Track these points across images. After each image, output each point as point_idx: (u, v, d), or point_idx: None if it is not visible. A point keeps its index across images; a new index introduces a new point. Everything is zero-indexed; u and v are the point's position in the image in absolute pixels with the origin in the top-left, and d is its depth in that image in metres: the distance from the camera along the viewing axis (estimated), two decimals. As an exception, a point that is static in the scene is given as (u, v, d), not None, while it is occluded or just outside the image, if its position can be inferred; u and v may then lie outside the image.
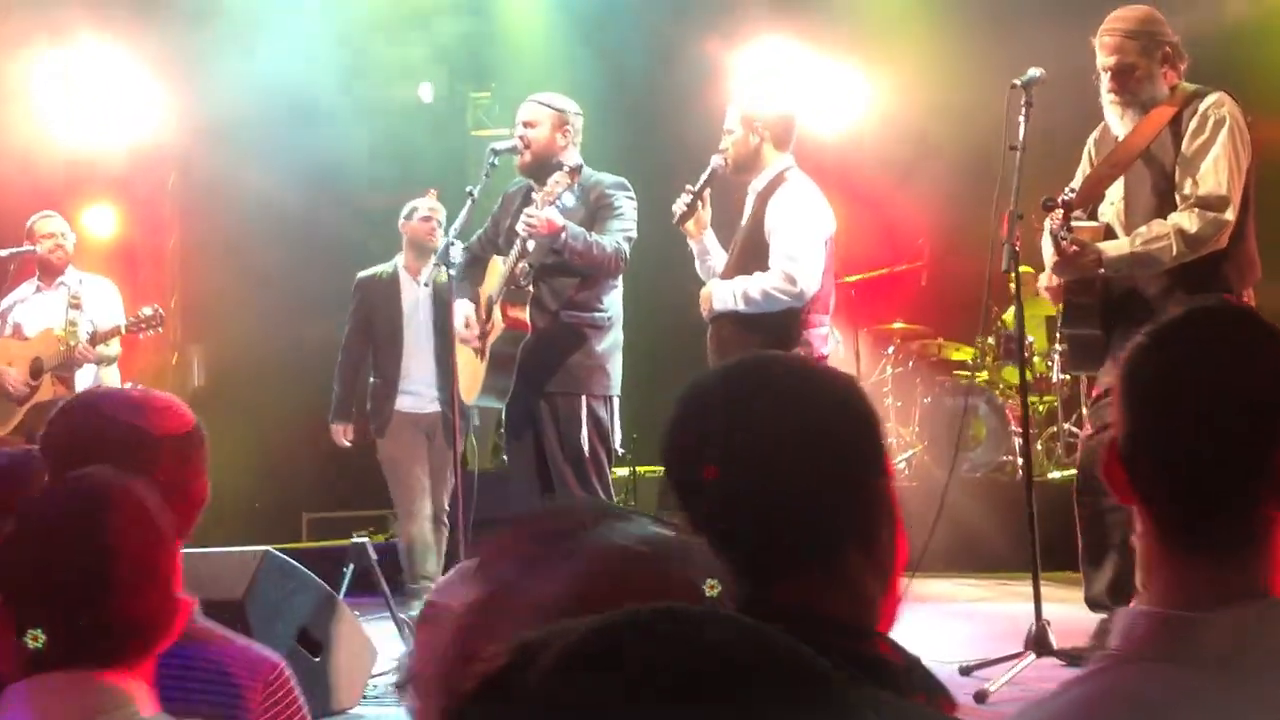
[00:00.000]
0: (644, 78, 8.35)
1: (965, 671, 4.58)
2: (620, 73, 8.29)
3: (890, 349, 8.81)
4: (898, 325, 8.83)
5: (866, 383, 8.77)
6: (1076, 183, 4.66)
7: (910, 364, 8.73)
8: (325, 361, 9.08)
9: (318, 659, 4.47)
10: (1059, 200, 4.50)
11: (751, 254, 5.05)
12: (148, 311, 6.47)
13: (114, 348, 6.53)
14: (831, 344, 5.13)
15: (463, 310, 5.49)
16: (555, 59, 8.87)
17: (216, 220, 9.06)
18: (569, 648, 0.69)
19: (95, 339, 6.42)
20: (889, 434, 8.56)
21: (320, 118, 8.60)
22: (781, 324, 4.96)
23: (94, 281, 6.77)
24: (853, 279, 8.32)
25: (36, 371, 6.39)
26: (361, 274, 6.58)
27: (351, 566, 5.43)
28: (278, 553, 4.49)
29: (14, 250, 6.46)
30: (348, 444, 6.59)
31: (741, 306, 4.98)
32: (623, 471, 9.09)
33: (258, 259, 8.78)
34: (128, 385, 6.44)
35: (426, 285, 6.29)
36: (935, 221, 8.69)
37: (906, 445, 8.54)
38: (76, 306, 6.50)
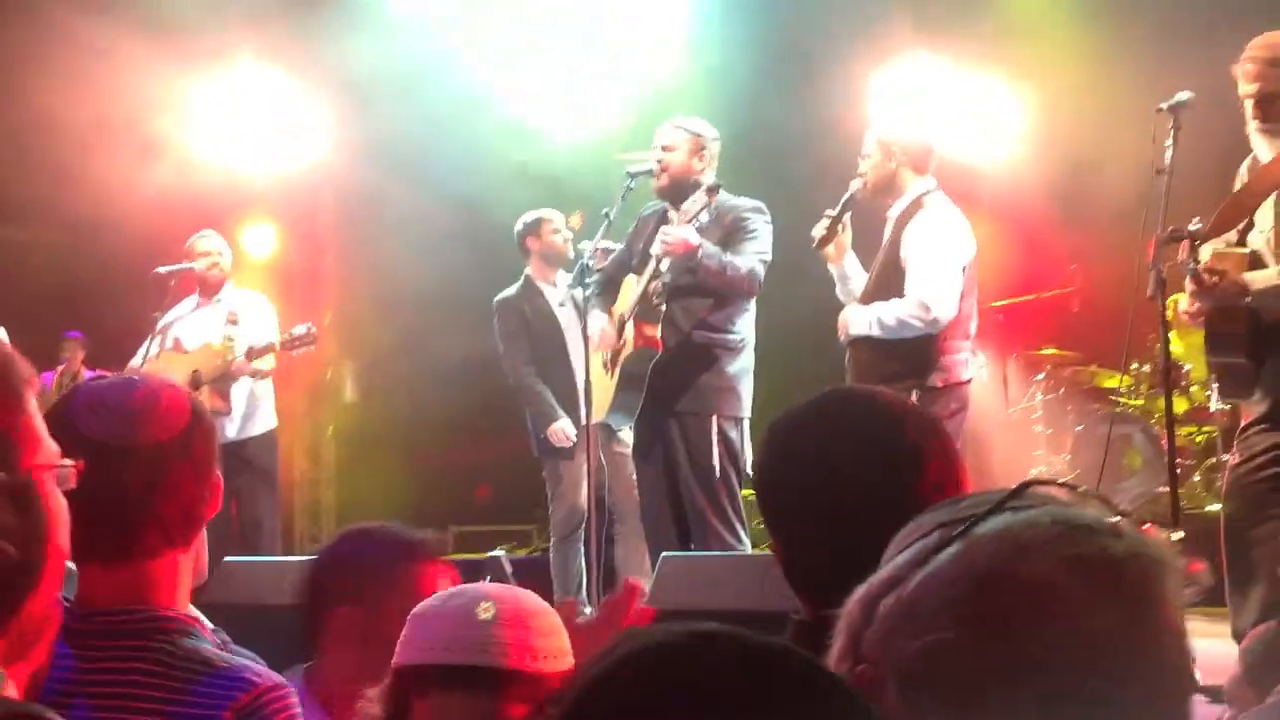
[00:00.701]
0: (784, 99, 8.32)
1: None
2: (759, 95, 8.26)
3: (1041, 375, 8.60)
4: (1049, 351, 8.62)
5: (1015, 409, 8.58)
6: None
7: (1062, 391, 8.51)
8: (474, 377, 9.26)
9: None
10: (1186, 231, 4.38)
11: (889, 279, 5.05)
12: (301, 329, 6.66)
13: (268, 362, 6.72)
14: (974, 369, 5.05)
15: (598, 321, 5.55)
16: (695, 80, 8.90)
17: (370, 238, 9.28)
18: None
19: (251, 355, 6.61)
20: (1039, 462, 8.36)
21: (470, 139, 8.75)
22: (917, 350, 4.95)
23: (250, 297, 6.99)
24: (1001, 304, 8.16)
25: (195, 384, 6.60)
26: (501, 295, 6.70)
27: (489, 579, 5.50)
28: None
29: (174, 267, 6.70)
30: (572, 439, 6.56)
31: (876, 332, 4.98)
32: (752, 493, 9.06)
33: (409, 277, 8.96)
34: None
35: (563, 305, 6.36)
36: (1089, 246, 8.47)
37: (1057, 475, 8.32)
38: (233, 322, 6.72)
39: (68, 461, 1.26)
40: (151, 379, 1.96)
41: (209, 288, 6.86)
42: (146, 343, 6.66)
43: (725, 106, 8.13)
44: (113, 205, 8.26)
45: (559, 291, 6.51)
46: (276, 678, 1.91)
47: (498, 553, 5.44)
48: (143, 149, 8.47)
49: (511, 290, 6.76)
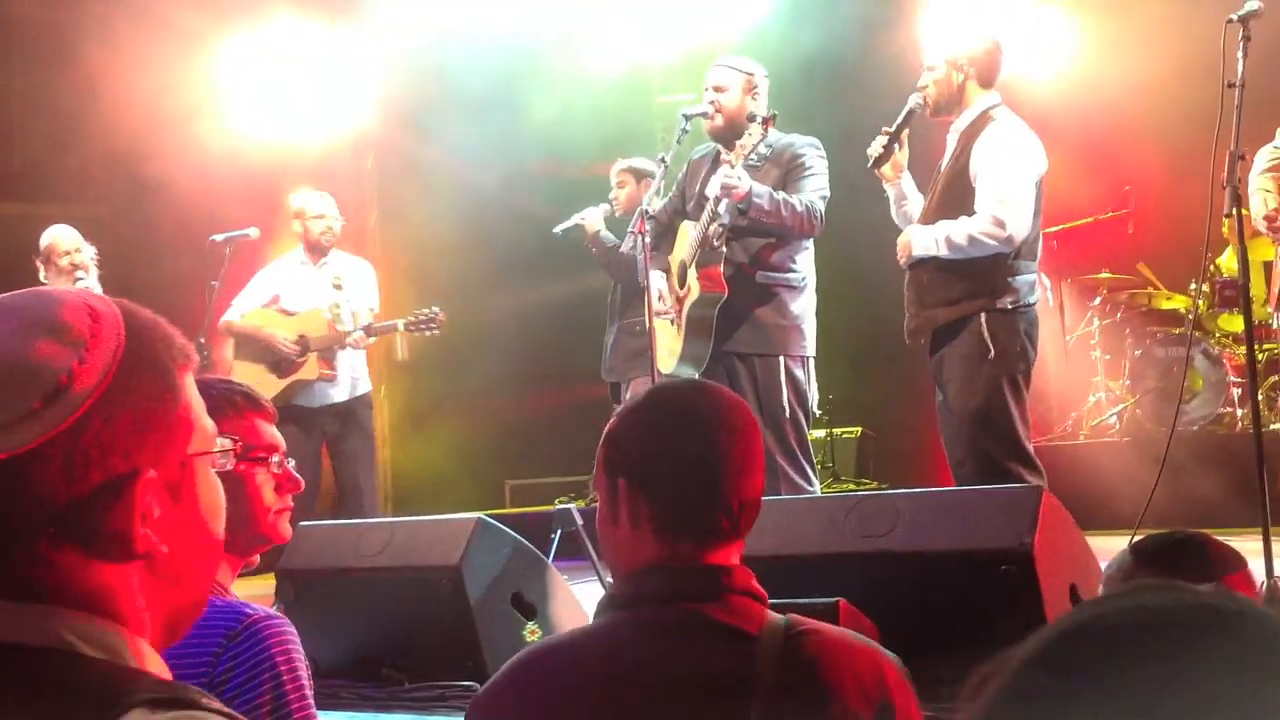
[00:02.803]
0: (830, 30, 8.19)
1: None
2: (806, 26, 8.15)
3: (1097, 300, 8.50)
4: (1104, 275, 8.52)
5: (1072, 335, 8.50)
6: None
7: (1119, 315, 8.41)
8: (520, 333, 9.26)
9: (532, 622, 4.54)
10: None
11: (954, 197, 4.84)
12: (427, 312, 6.61)
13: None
14: (1039, 293, 4.92)
15: (656, 282, 5.49)
16: (739, 16, 8.78)
17: (413, 198, 9.26)
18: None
19: (371, 332, 6.58)
20: (1098, 388, 8.28)
21: (509, 90, 8.69)
22: (986, 270, 4.76)
23: (354, 264, 6.91)
24: (1055, 229, 8.05)
25: (302, 349, 6.60)
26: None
27: (559, 531, 5.48)
28: (490, 519, 4.56)
29: (230, 234, 6.66)
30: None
31: (944, 252, 4.78)
32: (819, 433, 9.02)
33: (454, 233, 8.94)
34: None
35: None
36: (1143, 166, 8.34)
37: (1116, 400, 8.24)
38: (338, 288, 6.67)
39: (225, 442, 1.22)
40: None
41: (318, 249, 6.78)
42: (232, 305, 6.65)
43: (773, 40, 8.06)
44: (158, 175, 8.26)
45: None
46: (271, 612, 2.02)
47: (566, 505, 5.42)
48: (187, 118, 8.45)
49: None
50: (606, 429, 1.95)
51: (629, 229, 5.79)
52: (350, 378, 6.70)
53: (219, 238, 6.62)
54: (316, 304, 6.67)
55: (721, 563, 1.86)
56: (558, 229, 6.77)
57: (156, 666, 1.11)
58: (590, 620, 1.94)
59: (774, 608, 3.53)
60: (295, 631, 2.04)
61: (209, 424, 1.19)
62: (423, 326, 6.64)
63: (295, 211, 6.81)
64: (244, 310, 6.73)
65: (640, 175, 6.76)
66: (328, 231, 6.78)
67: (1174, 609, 0.88)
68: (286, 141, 8.89)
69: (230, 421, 2.21)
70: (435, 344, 9.27)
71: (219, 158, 8.32)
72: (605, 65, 9.33)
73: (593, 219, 6.66)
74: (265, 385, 6.55)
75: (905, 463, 8.81)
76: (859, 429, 9.29)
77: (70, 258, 6.13)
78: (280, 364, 6.60)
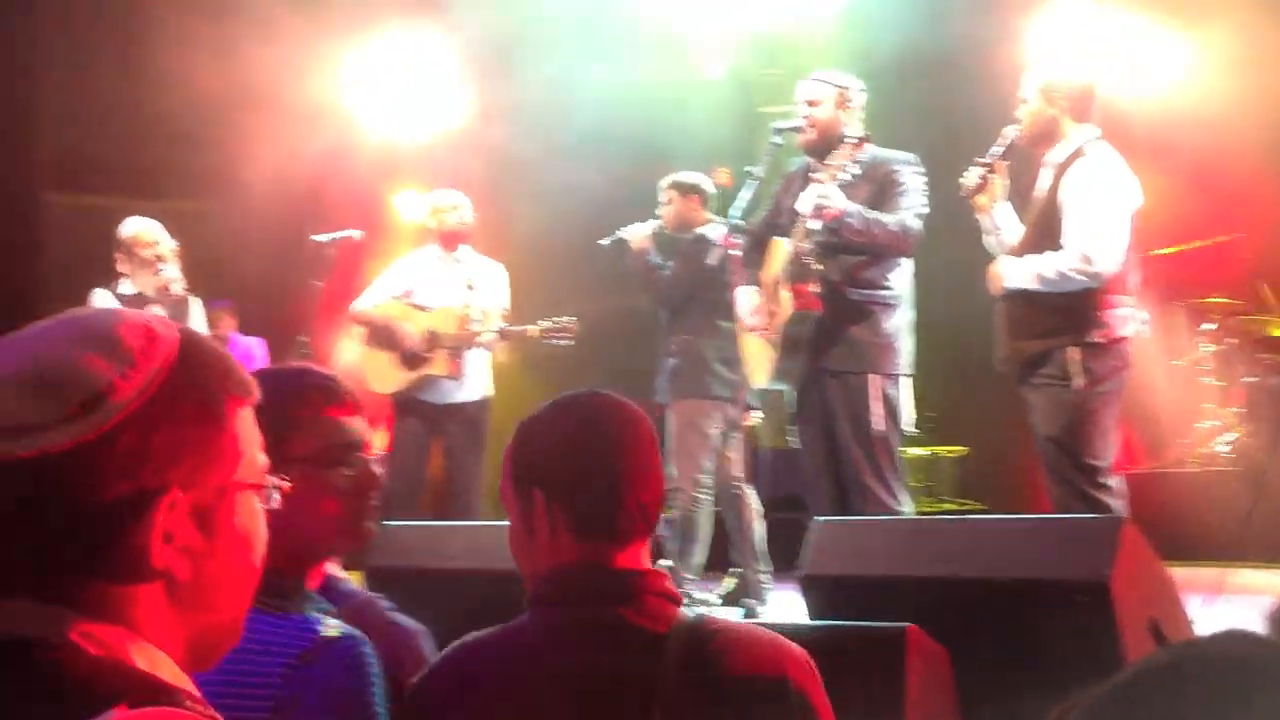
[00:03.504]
0: (935, 45, 8.10)
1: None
2: (911, 43, 8.07)
3: (1208, 326, 8.29)
4: (1217, 300, 8.30)
5: (1181, 361, 8.29)
6: None
7: (1231, 341, 8.20)
8: (620, 335, 9.28)
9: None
10: None
11: (1047, 230, 4.85)
12: (563, 320, 6.64)
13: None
14: (1136, 325, 4.84)
15: (747, 298, 5.48)
16: (845, 30, 8.74)
17: (518, 202, 9.34)
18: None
19: (505, 335, 6.65)
20: (1208, 415, 8.07)
21: (611, 95, 8.73)
22: (1076, 304, 4.76)
23: (487, 265, 6.98)
24: (1164, 251, 7.87)
25: (431, 345, 6.69)
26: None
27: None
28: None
29: (333, 235, 6.78)
30: None
31: (1034, 285, 4.81)
32: (922, 451, 8.92)
33: (557, 238, 9.00)
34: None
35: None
36: (1258, 186, 8.12)
37: (1227, 427, 8.03)
38: (471, 288, 6.75)
39: (274, 480, 1.25)
40: None
41: (452, 241, 6.88)
42: (365, 295, 6.74)
43: (877, 54, 7.99)
44: (268, 175, 8.45)
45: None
46: (349, 631, 1.95)
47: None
48: (295, 119, 8.63)
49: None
50: (511, 444, 2.06)
51: (716, 243, 5.77)
52: (477, 379, 6.77)
53: (321, 238, 6.73)
54: (449, 301, 6.73)
55: (634, 566, 1.99)
56: (602, 241, 6.71)
57: (170, 676, 1.14)
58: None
59: (839, 631, 3.51)
60: (373, 652, 1.96)
61: (260, 458, 1.22)
62: (556, 335, 6.64)
63: (429, 207, 6.90)
64: (376, 300, 6.82)
65: (686, 190, 6.62)
66: (462, 223, 6.85)
67: (1258, 659, 0.87)
68: (391, 142, 9.04)
69: (310, 416, 2.17)
70: (536, 345, 9.38)
71: (326, 158, 8.49)
72: (707, 73, 9.35)
73: (638, 234, 6.57)
74: (392, 376, 6.65)
75: (1010, 485, 8.65)
76: (964, 448, 9.17)
77: (152, 249, 6.18)
78: (408, 356, 6.68)
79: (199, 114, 8.69)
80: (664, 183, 6.71)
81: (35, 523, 1.11)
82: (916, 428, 5.40)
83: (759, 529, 6.33)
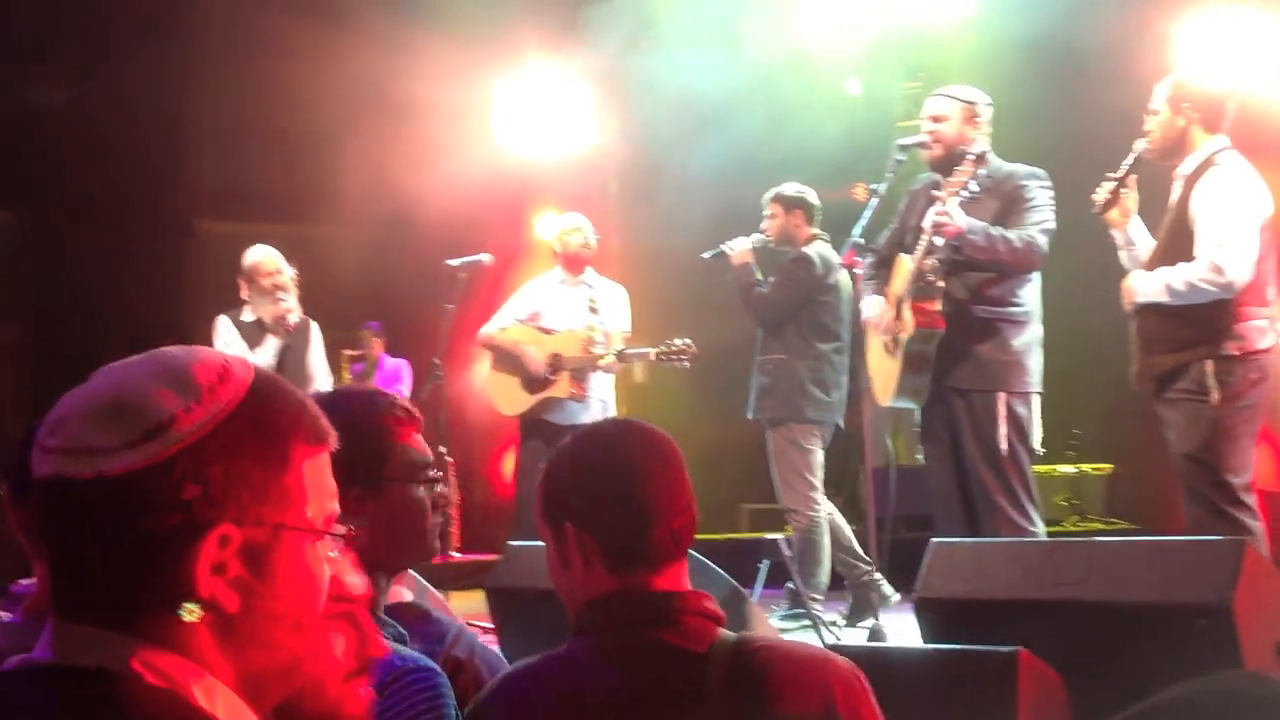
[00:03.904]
0: (1070, 58, 7.94)
1: None
2: (1048, 55, 7.92)
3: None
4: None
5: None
6: None
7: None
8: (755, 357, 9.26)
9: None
10: None
11: (1177, 243, 4.76)
12: (679, 343, 6.70)
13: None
14: (1273, 337, 4.70)
15: (873, 305, 5.44)
16: (984, 40, 8.61)
17: (653, 223, 9.40)
18: None
19: (623, 358, 6.78)
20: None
21: (749, 113, 8.73)
22: (1210, 317, 4.66)
23: (609, 287, 7.12)
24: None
25: (555, 367, 6.82)
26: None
27: (767, 562, 5.50)
28: (690, 551, 4.59)
29: (465, 260, 6.93)
30: None
31: (1165, 299, 4.72)
32: (1068, 469, 8.73)
33: (691, 257, 9.04)
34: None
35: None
36: None
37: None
38: (594, 311, 6.89)
39: (339, 529, 1.26)
40: None
41: (576, 264, 7.02)
42: (444, 332, 6.90)
43: (1015, 66, 7.85)
44: (413, 200, 8.65)
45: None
46: (422, 661, 1.96)
47: (776, 535, 5.42)
48: (437, 145, 8.83)
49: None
50: (543, 478, 2.10)
51: (838, 261, 5.74)
52: (600, 400, 6.87)
53: (454, 263, 6.89)
54: (573, 324, 6.85)
55: (672, 588, 2.00)
56: (704, 254, 6.72)
57: (227, 709, 1.17)
58: None
59: (949, 655, 3.48)
60: (446, 681, 1.98)
61: (330, 506, 1.25)
62: (673, 358, 6.68)
63: (553, 230, 7.02)
64: (503, 324, 6.96)
65: (790, 205, 6.58)
66: (585, 245, 6.99)
67: (1260, 697, 0.87)
68: (531, 165, 9.18)
69: (380, 436, 2.24)
70: (674, 365, 9.42)
71: (469, 184, 8.66)
72: (848, 90, 9.30)
73: (740, 248, 6.55)
74: (516, 399, 6.79)
75: (1158, 503, 8.39)
76: (1110, 466, 8.95)
77: (273, 279, 6.36)
78: (532, 380, 6.80)
79: (345, 141, 8.94)
80: (768, 196, 6.69)
81: (99, 545, 1.16)
82: (1068, 445, 5.28)
83: (847, 531, 6.30)
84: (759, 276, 6.56)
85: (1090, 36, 7.61)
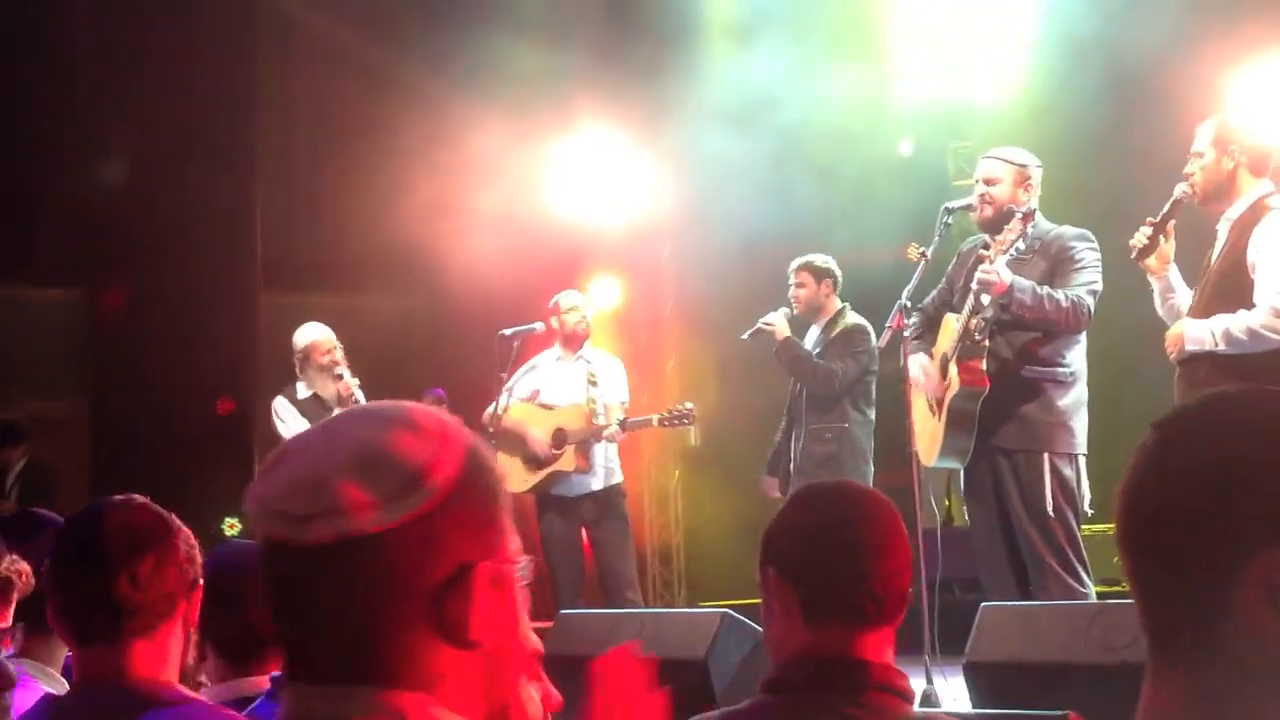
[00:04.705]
0: (1120, 115, 7.94)
1: None
2: (1094, 115, 7.93)
3: None
4: None
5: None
6: None
7: None
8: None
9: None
10: None
11: (1230, 289, 4.65)
12: (681, 409, 6.93)
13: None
14: (1334, 388, 4.60)
15: (919, 362, 5.43)
16: (1033, 97, 8.64)
17: (707, 287, 9.46)
18: None
19: (626, 427, 6.89)
20: None
21: (804, 176, 8.77)
22: (1268, 366, 4.51)
23: (607, 359, 7.27)
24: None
25: (559, 441, 6.91)
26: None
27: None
28: (736, 614, 4.60)
29: (518, 329, 6.99)
30: None
31: (1221, 347, 4.59)
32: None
33: (745, 322, 9.07)
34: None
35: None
36: None
37: None
38: (594, 383, 6.99)
39: (528, 559, 1.27)
40: None
41: (574, 341, 7.14)
42: (495, 401, 6.99)
43: (1065, 124, 7.86)
44: (468, 269, 8.76)
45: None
46: None
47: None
48: (494, 215, 8.95)
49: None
50: (767, 530, 2.09)
51: (886, 325, 5.73)
52: (604, 468, 6.99)
53: (508, 332, 6.96)
54: (574, 398, 6.98)
55: (869, 657, 1.95)
56: (744, 334, 6.87)
57: None
58: None
59: (999, 718, 3.43)
60: None
61: (516, 538, 1.27)
62: (676, 421, 6.93)
63: (551, 308, 7.13)
64: (505, 405, 7.05)
65: (821, 275, 6.70)
66: (581, 321, 7.11)
67: None
68: (589, 233, 9.28)
69: None
70: (729, 430, 9.43)
71: (524, 253, 8.76)
72: (899, 151, 9.33)
73: (780, 323, 6.68)
74: (521, 478, 6.91)
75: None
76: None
77: (330, 355, 6.64)
78: (533, 459, 6.91)
79: (398, 209, 9.09)
80: (795, 264, 6.82)
81: (363, 601, 1.16)
82: (1090, 508, 5.22)
83: None
84: (806, 351, 6.64)
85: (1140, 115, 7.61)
